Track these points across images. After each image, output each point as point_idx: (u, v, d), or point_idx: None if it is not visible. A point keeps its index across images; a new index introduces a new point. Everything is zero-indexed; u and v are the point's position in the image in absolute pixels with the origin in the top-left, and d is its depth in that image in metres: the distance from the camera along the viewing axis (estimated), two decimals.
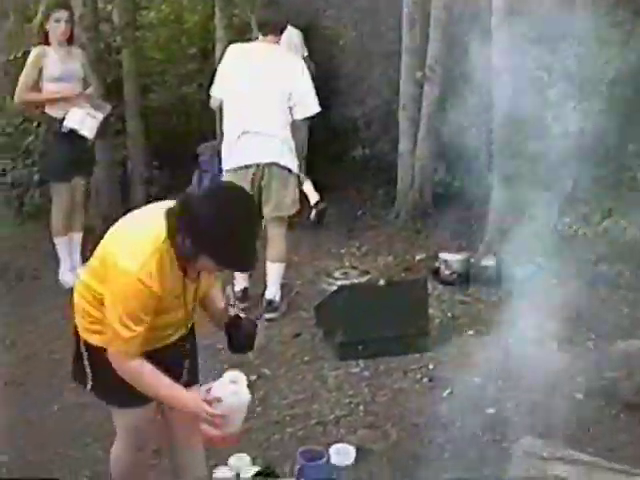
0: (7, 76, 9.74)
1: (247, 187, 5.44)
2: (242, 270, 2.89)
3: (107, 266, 2.99)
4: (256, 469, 3.20)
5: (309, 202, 7.35)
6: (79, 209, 6.66)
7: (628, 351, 4.84)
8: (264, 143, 5.69)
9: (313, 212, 7.46)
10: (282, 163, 5.74)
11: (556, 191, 6.34)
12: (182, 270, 3.02)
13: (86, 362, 3.24)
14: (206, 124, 8.67)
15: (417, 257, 6.80)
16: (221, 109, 5.91)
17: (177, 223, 2.93)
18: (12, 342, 5.69)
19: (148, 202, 3.37)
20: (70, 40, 6.44)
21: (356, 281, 6.18)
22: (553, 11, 5.97)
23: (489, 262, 6.17)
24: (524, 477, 3.42)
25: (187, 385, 3.28)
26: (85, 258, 6.63)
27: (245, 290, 6.01)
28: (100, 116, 6.39)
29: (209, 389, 3.07)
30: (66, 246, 6.60)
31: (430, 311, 5.47)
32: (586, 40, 5.90)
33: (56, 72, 6.26)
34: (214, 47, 8.72)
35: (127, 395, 3.19)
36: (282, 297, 6.00)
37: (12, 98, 9.03)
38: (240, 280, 5.98)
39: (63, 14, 6.33)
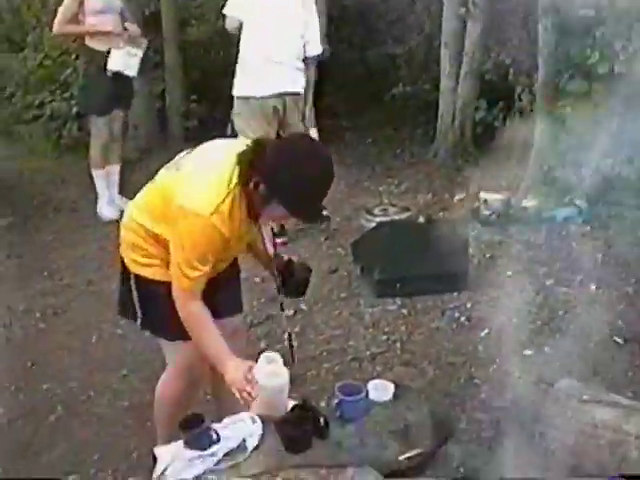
0: (44, 8, 9.72)
1: (268, 116, 5.61)
2: (310, 222, 2.84)
3: (171, 206, 2.95)
4: (293, 403, 3.19)
5: None
6: (117, 142, 6.65)
7: None
8: (289, 73, 5.67)
9: None
10: (302, 92, 5.79)
11: (599, 132, 6.24)
12: (249, 215, 2.98)
13: (135, 296, 3.23)
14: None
15: (456, 196, 6.73)
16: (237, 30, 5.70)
17: (251, 168, 2.88)
18: (50, 273, 5.72)
19: (186, 135, 3.35)
20: None
21: (396, 218, 6.11)
22: None
23: (529, 203, 6.10)
24: (562, 419, 3.40)
25: (232, 313, 3.30)
26: (123, 191, 6.67)
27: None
28: (140, 53, 6.35)
29: (251, 367, 3.06)
30: (104, 179, 6.60)
31: (469, 251, 5.42)
32: None
33: (98, 5, 6.20)
34: None
35: (179, 327, 3.17)
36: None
37: (50, 31, 9.08)
38: None
39: None
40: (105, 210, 6.56)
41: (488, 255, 5.71)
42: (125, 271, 3.26)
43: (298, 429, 2.92)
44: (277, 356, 3.10)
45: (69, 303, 5.32)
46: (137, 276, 3.21)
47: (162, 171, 3.16)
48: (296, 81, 5.73)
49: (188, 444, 2.92)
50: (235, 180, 2.90)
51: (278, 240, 5.82)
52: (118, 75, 6.22)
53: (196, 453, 2.89)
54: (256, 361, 3.05)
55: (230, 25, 5.80)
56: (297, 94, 5.74)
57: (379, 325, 4.92)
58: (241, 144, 3.00)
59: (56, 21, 6.29)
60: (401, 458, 3.02)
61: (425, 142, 7.97)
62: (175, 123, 8.17)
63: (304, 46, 5.73)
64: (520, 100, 7.26)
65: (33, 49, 9.18)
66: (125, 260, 3.23)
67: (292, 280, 3.39)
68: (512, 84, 7.37)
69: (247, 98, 5.65)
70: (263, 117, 5.64)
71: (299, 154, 2.87)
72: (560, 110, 6.32)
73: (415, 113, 8.58)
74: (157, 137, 8.06)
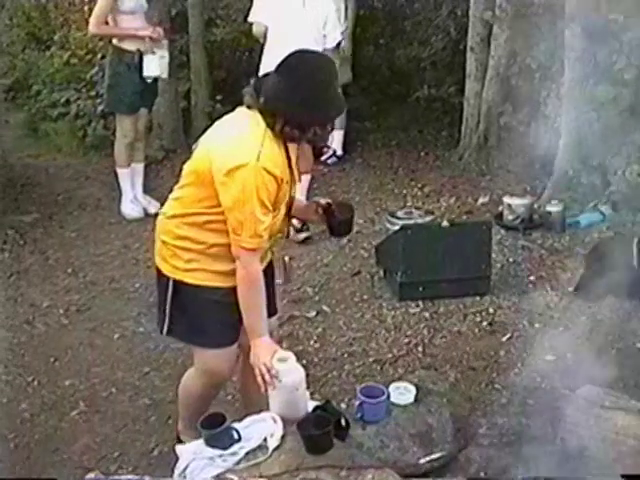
0: (72, 7, 9.80)
1: None
2: (340, 113, 2.98)
3: (216, 180, 2.97)
4: (314, 404, 3.20)
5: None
6: (142, 140, 6.67)
7: None
8: None
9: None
10: None
11: (625, 138, 6.22)
12: (287, 156, 3.09)
13: (168, 302, 3.25)
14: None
15: (480, 200, 6.72)
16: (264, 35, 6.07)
17: (270, 104, 2.96)
18: (74, 270, 5.75)
19: None
20: None
21: (419, 221, 6.11)
22: None
23: (554, 208, 6.06)
24: (583, 425, 3.38)
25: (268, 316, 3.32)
26: (147, 190, 6.70)
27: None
28: (167, 54, 6.37)
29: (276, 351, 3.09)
30: (128, 177, 6.63)
31: (492, 255, 5.40)
32: None
33: (131, 5, 6.21)
34: None
35: (211, 335, 3.26)
36: None
37: (76, 29, 9.14)
38: None
39: None
40: (128, 208, 6.59)
41: (511, 259, 5.70)
42: (160, 280, 3.30)
43: (319, 430, 2.92)
44: (290, 354, 3.11)
45: (92, 300, 5.35)
46: (177, 282, 3.23)
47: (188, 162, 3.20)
48: None
49: (209, 443, 2.93)
50: (263, 125, 2.98)
51: (300, 235, 5.92)
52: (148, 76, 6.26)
53: (217, 452, 2.90)
54: None
55: (257, 30, 6.18)
56: None
57: (401, 328, 4.92)
58: (247, 109, 3.07)
59: (92, 21, 6.27)
60: (422, 461, 3.03)
61: (449, 145, 7.95)
62: (199, 123, 8.17)
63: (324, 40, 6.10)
64: (545, 105, 7.24)
65: (60, 47, 9.24)
66: (162, 269, 3.27)
67: (335, 220, 3.42)
68: (538, 88, 7.35)
69: None
70: None
71: (294, 70, 2.98)
72: (586, 115, 6.28)
73: (440, 116, 8.57)
74: (182, 136, 8.09)
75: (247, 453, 2.90)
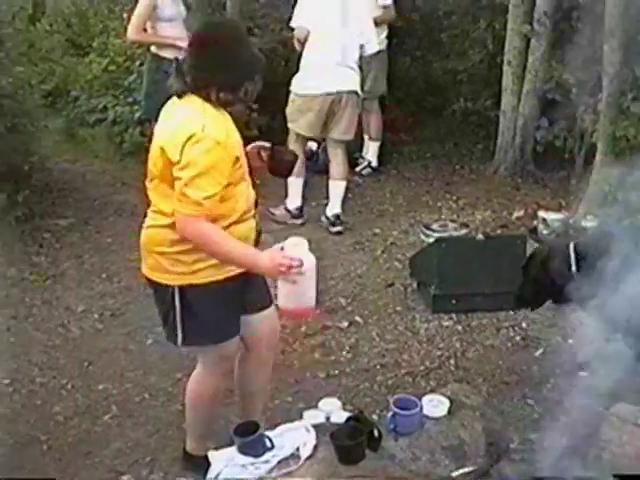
0: (111, 14, 9.88)
1: (323, 111, 6.26)
2: (261, 64, 3.23)
3: (175, 166, 3.09)
4: (347, 414, 3.21)
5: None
6: None
7: None
8: (346, 73, 6.28)
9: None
10: (359, 91, 6.42)
11: None
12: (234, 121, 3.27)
13: (178, 312, 3.30)
14: None
15: (515, 214, 6.69)
16: (304, 39, 6.30)
17: (198, 80, 3.17)
18: (109, 275, 5.80)
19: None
20: None
21: (454, 234, 6.11)
22: None
23: (589, 223, 6.03)
24: (616, 442, 3.36)
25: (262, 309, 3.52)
26: None
27: (301, 208, 6.62)
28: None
29: (282, 248, 3.21)
30: None
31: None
32: None
33: (169, 12, 6.26)
34: None
35: (222, 329, 3.36)
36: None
37: (115, 36, 9.20)
38: (294, 198, 6.59)
39: None
40: None
41: None
42: (161, 293, 3.35)
43: (352, 440, 2.93)
44: (303, 240, 3.16)
45: (126, 305, 5.39)
46: (182, 288, 3.28)
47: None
48: (353, 80, 6.35)
49: (242, 450, 2.95)
50: (199, 101, 3.18)
51: (334, 229, 6.36)
52: None
53: (250, 459, 2.92)
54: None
55: (299, 35, 6.36)
56: (354, 92, 6.35)
57: (434, 340, 4.92)
58: (177, 98, 3.29)
59: (131, 28, 6.32)
60: (454, 474, 3.02)
61: (485, 158, 7.93)
62: None
63: (361, 47, 6.39)
64: (582, 120, 7.21)
65: (98, 54, 9.29)
66: (162, 281, 3.31)
67: (276, 161, 3.59)
68: (575, 103, 7.31)
69: (307, 95, 6.26)
70: (318, 111, 6.27)
71: (204, 40, 3.25)
72: (623, 131, 6.25)
73: (475, 129, 8.55)
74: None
75: (279, 461, 2.92)
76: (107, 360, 4.77)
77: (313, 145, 7.77)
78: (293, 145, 6.25)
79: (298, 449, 2.96)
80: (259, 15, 9.48)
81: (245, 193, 3.32)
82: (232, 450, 3.00)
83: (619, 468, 3.05)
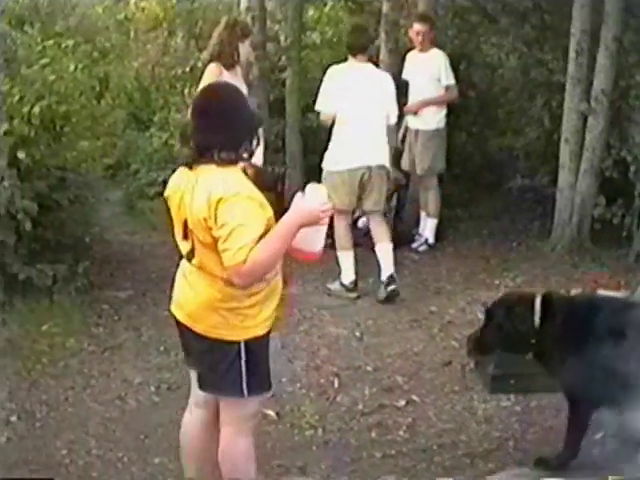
0: (172, 89, 10.11)
1: (355, 185, 6.55)
2: (258, 123, 3.84)
3: (212, 227, 3.27)
4: None
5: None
6: None
7: None
8: (374, 148, 6.60)
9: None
10: (386, 165, 6.73)
11: None
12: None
13: (243, 365, 3.43)
14: None
15: (573, 292, 6.62)
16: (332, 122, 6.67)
17: (202, 146, 3.35)
18: (166, 348, 5.81)
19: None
20: None
21: None
22: None
23: None
24: None
25: None
26: None
27: (355, 282, 6.69)
28: (262, 140, 6.48)
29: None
30: None
31: None
32: None
33: None
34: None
35: (270, 376, 3.55)
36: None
37: (176, 111, 9.40)
38: (348, 273, 6.69)
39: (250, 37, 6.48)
40: None
41: None
42: (224, 349, 3.44)
43: None
44: (322, 187, 3.56)
45: (183, 379, 5.33)
46: (249, 342, 3.42)
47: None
48: (382, 154, 6.67)
49: None
50: (214, 166, 3.34)
51: (389, 288, 6.54)
52: None
53: None
54: None
55: (326, 119, 6.77)
56: (382, 166, 6.66)
57: (492, 421, 4.86)
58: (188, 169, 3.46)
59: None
60: None
61: (542, 236, 7.90)
62: None
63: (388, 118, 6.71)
64: None
65: (159, 128, 9.50)
66: (228, 338, 3.42)
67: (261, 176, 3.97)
68: (632, 181, 7.29)
69: (339, 171, 6.55)
70: (350, 185, 6.57)
71: (203, 106, 3.47)
72: None
73: (532, 206, 8.54)
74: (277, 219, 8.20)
75: None
76: (163, 434, 4.75)
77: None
78: (337, 220, 6.35)
79: None
80: (317, 92, 9.65)
81: None
82: None
83: None
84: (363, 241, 7.78)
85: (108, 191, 8.60)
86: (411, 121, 7.90)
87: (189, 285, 3.53)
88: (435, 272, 7.32)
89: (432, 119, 7.81)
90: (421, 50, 7.84)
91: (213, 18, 10.37)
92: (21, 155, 5.94)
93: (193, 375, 3.78)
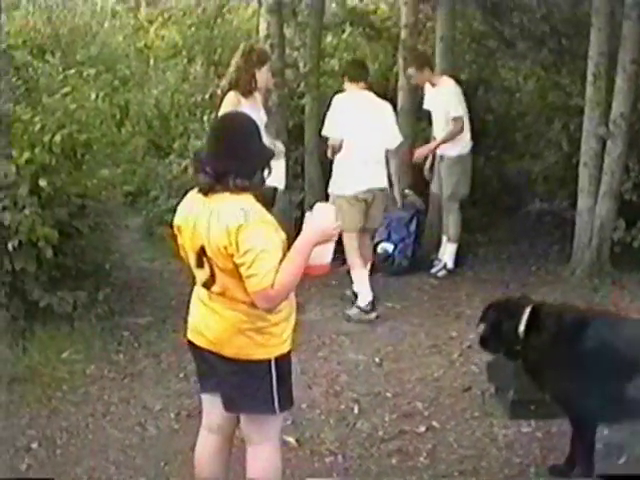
0: (192, 116, 10.17)
1: (362, 207, 6.83)
2: (270, 154, 3.71)
3: (233, 255, 3.36)
4: None
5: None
6: None
7: None
8: (377, 172, 6.93)
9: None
10: (386, 187, 7.03)
11: None
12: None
13: (274, 382, 3.53)
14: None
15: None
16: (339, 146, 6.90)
17: (220, 171, 3.41)
18: (186, 374, 5.80)
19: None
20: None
21: None
22: None
23: None
24: None
25: None
26: None
27: (372, 302, 6.79)
28: (283, 163, 6.54)
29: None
30: None
31: None
32: None
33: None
34: (394, 95, 8.83)
35: (292, 393, 3.66)
36: None
37: (195, 138, 9.46)
38: (365, 296, 6.81)
39: (267, 64, 6.53)
40: None
41: None
42: (253, 369, 3.52)
43: None
44: (331, 207, 3.72)
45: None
46: (278, 359, 3.53)
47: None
48: (383, 177, 6.98)
49: None
50: (228, 194, 3.42)
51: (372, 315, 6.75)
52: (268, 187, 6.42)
53: None
54: None
55: (334, 143, 6.94)
56: (383, 189, 6.98)
57: (513, 447, 4.83)
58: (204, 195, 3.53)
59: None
60: None
61: (561, 260, 7.89)
62: None
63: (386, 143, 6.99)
64: None
65: (178, 155, 9.54)
66: (258, 357, 3.51)
67: None
68: None
69: (346, 195, 6.79)
70: (358, 208, 6.83)
71: (219, 133, 3.60)
72: None
73: (551, 230, 8.54)
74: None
75: None
76: (183, 460, 4.73)
77: (389, 247, 7.85)
78: (347, 240, 6.56)
79: None
80: None
81: None
82: None
83: None
84: (382, 266, 7.82)
85: (128, 218, 8.63)
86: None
87: (211, 311, 3.57)
88: (454, 297, 7.31)
89: (455, 145, 7.84)
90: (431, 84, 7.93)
91: (232, 45, 10.46)
92: (42, 183, 5.98)
93: (206, 400, 3.82)
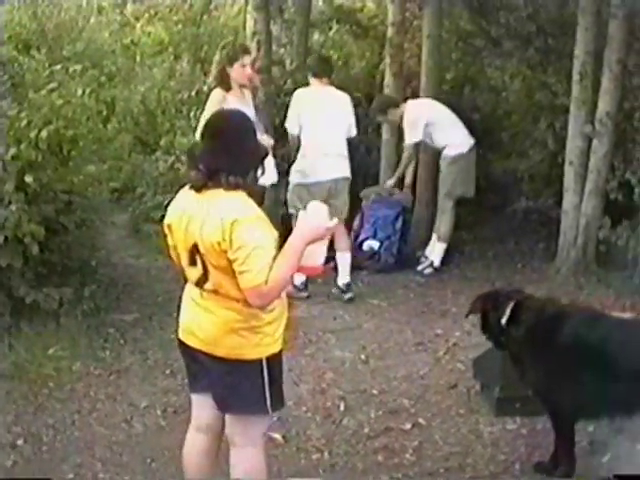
0: (179, 113, 10.15)
1: (323, 196, 6.74)
2: (265, 152, 3.73)
3: (227, 250, 3.35)
4: None
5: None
6: None
7: None
8: (338, 162, 7.18)
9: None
10: (349, 176, 7.28)
11: None
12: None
13: (266, 382, 3.52)
14: (368, 167, 8.78)
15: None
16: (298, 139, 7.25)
17: (212, 167, 3.42)
18: (172, 371, 5.82)
19: None
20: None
21: None
22: None
23: None
24: None
25: None
26: None
27: (306, 282, 7.09)
28: (271, 157, 6.54)
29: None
30: None
31: None
32: None
33: None
34: (380, 93, 8.85)
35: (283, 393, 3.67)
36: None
37: (181, 135, 9.44)
38: (344, 275, 7.20)
39: (248, 59, 6.55)
40: None
41: None
42: (246, 369, 3.51)
43: None
44: (324, 206, 3.64)
45: (189, 402, 5.38)
46: (269, 358, 3.52)
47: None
48: (344, 167, 7.24)
49: None
50: (222, 190, 3.42)
51: (345, 296, 7.19)
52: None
53: None
54: None
55: (291, 138, 7.35)
56: (347, 178, 7.26)
57: (498, 444, 4.85)
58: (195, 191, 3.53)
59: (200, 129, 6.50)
60: None
61: (547, 258, 7.92)
62: None
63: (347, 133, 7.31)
64: None
65: (165, 152, 9.51)
66: (251, 356, 3.50)
67: None
68: (637, 203, 7.30)
69: (305, 183, 7.10)
70: (320, 197, 6.54)
71: (214, 129, 3.59)
72: None
73: (537, 228, 8.56)
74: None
75: None
76: (170, 457, 4.73)
77: (375, 245, 7.86)
78: None
79: None
80: None
81: None
82: None
83: None
84: (368, 264, 7.84)
85: (114, 214, 8.60)
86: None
87: (203, 310, 3.55)
88: (440, 295, 7.34)
89: (452, 145, 7.97)
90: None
91: (219, 42, 10.46)
92: (28, 179, 5.96)
93: (195, 400, 3.82)
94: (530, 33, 8.58)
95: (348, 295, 7.17)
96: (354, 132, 7.40)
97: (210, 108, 6.40)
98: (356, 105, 9.45)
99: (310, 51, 9.62)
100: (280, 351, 3.58)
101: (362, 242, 7.96)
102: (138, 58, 12.24)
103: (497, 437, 4.93)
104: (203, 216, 3.40)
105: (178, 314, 6.76)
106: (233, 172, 3.41)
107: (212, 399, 3.68)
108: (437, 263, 7.89)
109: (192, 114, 9.41)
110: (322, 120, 7.11)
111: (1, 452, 4.77)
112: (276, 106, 8.72)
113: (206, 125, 3.70)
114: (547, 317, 4.40)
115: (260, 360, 3.50)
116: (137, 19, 13.38)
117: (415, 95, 8.70)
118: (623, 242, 7.36)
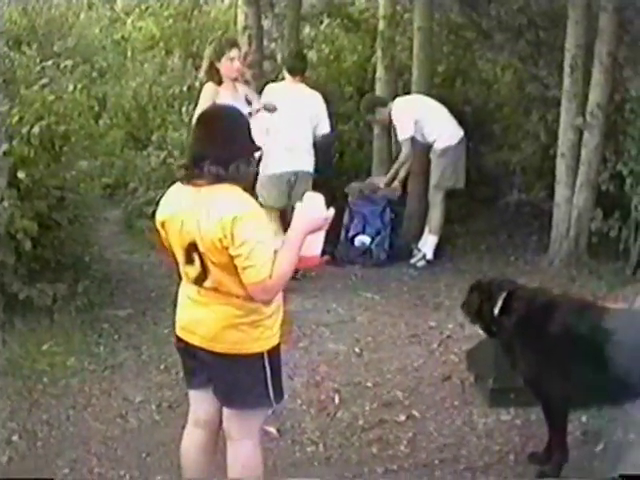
0: (170, 108, 10.14)
1: (283, 187, 7.26)
2: (255, 147, 3.59)
3: (228, 247, 3.31)
4: None
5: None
6: None
7: None
8: (302, 157, 7.35)
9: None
10: (312, 171, 7.40)
11: None
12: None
13: (268, 375, 3.53)
14: (359, 162, 8.79)
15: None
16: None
17: (198, 157, 3.41)
18: (167, 366, 5.82)
19: None
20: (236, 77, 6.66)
21: None
22: None
23: None
24: None
25: None
26: None
27: None
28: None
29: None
30: None
31: None
32: None
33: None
34: (372, 87, 8.86)
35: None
36: None
37: (173, 130, 9.43)
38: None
39: (236, 52, 6.54)
40: None
41: None
42: (248, 363, 3.51)
43: None
44: (320, 196, 3.57)
45: (184, 397, 5.32)
46: (270, 352, 3.53)
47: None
48: (307, 161, 7.42)
49: None
50: (217, 186, 3.38)
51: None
52: None
53: None
54: None
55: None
56: (308, 172, 7.39)
57: (492, 435, 4.87)
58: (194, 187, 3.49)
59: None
60: None
61: (539, 250, 7.94)
62: None
63: (315, 129, 7.45)
64: (637, 210, 7.21)
65: (157, 147, 9.50)
66: (252, 350, 3.49)
67: None
68: (629, 195, 7.33)
69: (268, 175, 7.21)
70: (279, 187, 7.30)
71: (203, 121, 3.63)
72: None
73: (529, 220, 8.59)
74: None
75: None
76: (165, 452, 4.75)
77: (366, 240, 7.88)
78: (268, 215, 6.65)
79: None
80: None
81: None
82: None
83: None
84: (361, 259, 7.86)
85: (107, 210, 8.62)
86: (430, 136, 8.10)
87: (202, 307, 3.53)
88: (434, 288, 7.36)
89: (441, 137, 7.97)
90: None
91: (210, 37, 10.43)
92: (21, 175, 5.96)
93: (193, 396, 3.82)
94: (521, 26, 8.60)
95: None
96: (326, 129, 7.51)
97: (203, 103, 6.40)
98: (348, 99, 9.55)
99: (301, 45, 9.61)
100: (279, 344, 3.58)
101: (353, 237, 7.98)
102: (129, 53, 12.21)
103: (491, 428, 4.94)
104: (200, 214, 3.35)
105: (172, 309, 6.79)
106: (215, 162, 3.36)
107: (212, 394, 3.67)
108: (430, 256, 7.91)
109: (184, 109, 9.41)
110: (287, 115, 7.15)
111: None
112: None
113: (197, 118, 3.76)
114: (538, 306, 4.42)
115: (261, 354, 3.49)
116: (127, 14, 13.34)
117: (407, 88, 8.71)
118: (615, 233, 7.39)
